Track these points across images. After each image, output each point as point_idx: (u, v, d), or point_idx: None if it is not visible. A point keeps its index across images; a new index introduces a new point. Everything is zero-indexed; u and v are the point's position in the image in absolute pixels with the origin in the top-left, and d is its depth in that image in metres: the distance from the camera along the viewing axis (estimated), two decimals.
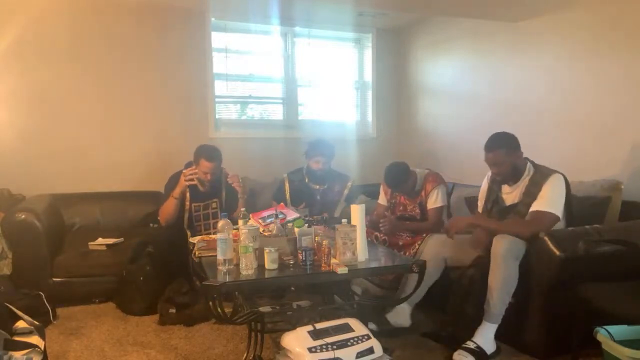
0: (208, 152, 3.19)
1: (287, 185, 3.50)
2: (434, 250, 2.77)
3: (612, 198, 2.74)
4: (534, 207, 2.50)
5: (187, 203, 3.26)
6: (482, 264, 2.51)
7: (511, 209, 2.64)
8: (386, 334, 2.62)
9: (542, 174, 2.56)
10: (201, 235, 3.18)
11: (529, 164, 2.65)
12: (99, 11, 3.85)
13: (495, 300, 2.38)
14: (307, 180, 3.49)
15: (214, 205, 3.32)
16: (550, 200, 2.47)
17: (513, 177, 2.64)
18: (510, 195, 2.69)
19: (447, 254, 2.74)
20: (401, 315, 2.74)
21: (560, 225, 2.50)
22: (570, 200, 2.55)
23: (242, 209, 2.64)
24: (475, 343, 2.39)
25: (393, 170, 3.11)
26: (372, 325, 2.66)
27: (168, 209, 3.21)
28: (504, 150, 2.59)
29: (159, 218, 3.32)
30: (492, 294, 2.39)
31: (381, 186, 3.46)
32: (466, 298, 2.58)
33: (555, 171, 2.56)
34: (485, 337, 2.41)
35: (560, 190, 2.51)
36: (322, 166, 3.36)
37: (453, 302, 2.64)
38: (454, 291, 2.64)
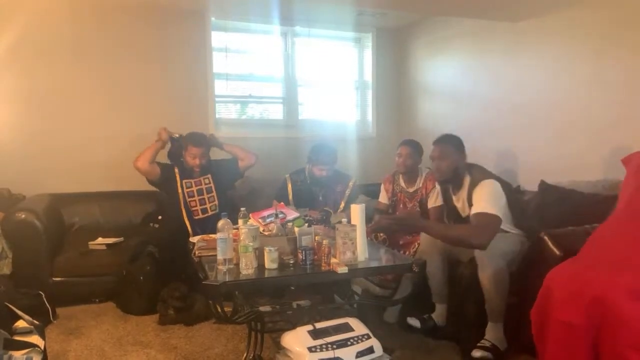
0: (195, 138, 3.40)
1: (289, 186, 3.50)
2: (432, 241, 2.74)
3: (614, 198, 2.73)
4: (474, 210, 2.47)
5: (179, 185, 3.36)
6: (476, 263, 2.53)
7: (467, 220, 2.62)
8: (428, 333, 2.71)
9: (473, 184, 2.58)
10: (197, 213, 3.32)
11: (467, 172, 2.67)
12: (99, 11, 3.84)
13: (492, 300, 2.41)
14: (309, 181, 3.49)
15: (206, 181, 3.42)
16: (484, 203, 2.45)
17: (454, 179, 2.68)
18: (459, 204, 2.73)
19: (443, 246, 2.72)
20: (442, 315, 2.79)
21: (508, 227, 2.53)
22: (512, 203, 2.56)
23: (242, 209, 2.64)
24: (489, 341, 2.43)
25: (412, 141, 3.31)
26: (415, 321, 2.75)
27: (145, 156, 3.39)
28: (452, 147, 2.67)
29: (136, 162, 3.40)
30: (488, 295, 2.41)
31: (382, 185, 3.47)
32: (465, 297, 2.59)
33: (484, 178, 2.55)
34: (495, 335, 2.44)
35: (492, 193, 2.49)
36: (326, 174, 3.38)
37: (454, 301, 2.66)
38: (454, 291, 2.66)
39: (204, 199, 3.38)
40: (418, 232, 3.01)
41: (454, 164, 2.64)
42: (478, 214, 2.43)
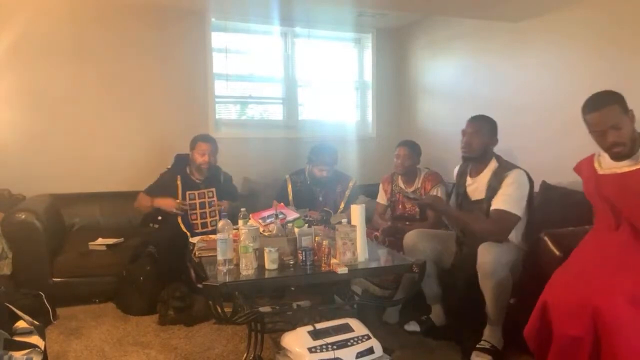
0: (203, 136, 3.43)
1: (289, 186, 3.50)
2: (414, 242, 2.74)
3: None
4: (495, 204, 2.49)
5: (180, 197, 3.30)
6: (463, 263, 2.54)
7: (476, 204, 2.64)
8: (427, 333, 2.71)
9: (503, 169, 2.57)
10: (197, 227, 3.25)
11: (494, 157, 2.66)
12: (99, 11, 3.84)
13: (492, 307, 2.42)
14: (309, 182, 3.49)
15: (210, 194, 3.35)
16: (511, 199, 2.46)
17: (480, 159, 2.65)
18: (472, 187, 2.70)
19: (428, 247, 2.72)
20: (439, 315, 2.80)
21: (521, 222, 2.52)
22: (532, 196, 2.56)
23: (243, 209, 2.64)
24: (489, 342, 2.43)
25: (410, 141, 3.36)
26: (415, 326, 2.74)
27: (145, 206, 3.37)
28: (487, 127, 2.66)
29: (135, 203, 3.42)
30: (488, 302, 2.42)
31: (380, 185, 3.47)
32: (464, 298, 2.60)
33: (516, 167, 2.57)
34: (494, 336, 2.46)
35: (521, 188, 2.50)
36: (326, 174, 3.38)
37: (452, 301, 2.66)
38: (452, 292, 2.67)
39: (205, 212, 3.32)
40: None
41: (485, 143, 2.63)
42: (500, 211, 2.46)
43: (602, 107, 2.00)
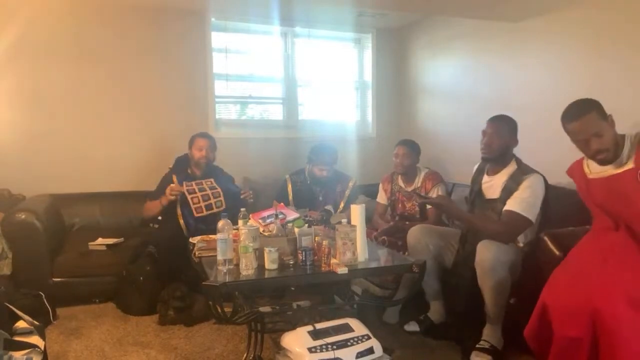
0: (200, 133, 3.49)
1: (289, 186, 3.51)
2: (418, 238, 2.75)
3: None
4: (509, 205, 2.49)
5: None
6: (465, 261, 2.54)
7: (490, 203, 2.64)
8: (427, 333, 2.71)
9: (522, 172, 2.56)
10: (201, 210, 3.24)
11: (514, 159, 2.66)
12: (98, 11, 3.84)
13: (491, 306, 2.42)
14: (309, 181, 3.49)
15: (209, 183, 3.36)
16: (525, 203, 2.46)
17: (498, 159, 2.64)
18: (488, 185, 2.69)
19: (431, 243, 2.73)
20: (438, 312, 2.79)
21: (532, 227, 2.52)
22: (547, 201, 2.55)
23: (242, 209, 2.64)
24: (488, 342, 2.44)
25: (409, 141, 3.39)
26: (415, 326, 2.74)
27: (153, 210, 3.35)
28: (507, 127, 2.64)
29: (143, 212, 3.43)
30: (487, 300, 2.42)
31: (380, 185, 3.48)
32: (464, 298, 2.60)
33: (535, 171, 2.57)
34: (493, 336, 2.45)
35: (537, 193, 2.50)
36: (326, 174, 3.38)
37: (452, 300, 2.67)
38: (452, 291, 2.67)
39: (207, 195, 3.29)
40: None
41: (505, 144, 2.62)
42: (512, 213, 2.46)
43: (581, 115, 2.03)
